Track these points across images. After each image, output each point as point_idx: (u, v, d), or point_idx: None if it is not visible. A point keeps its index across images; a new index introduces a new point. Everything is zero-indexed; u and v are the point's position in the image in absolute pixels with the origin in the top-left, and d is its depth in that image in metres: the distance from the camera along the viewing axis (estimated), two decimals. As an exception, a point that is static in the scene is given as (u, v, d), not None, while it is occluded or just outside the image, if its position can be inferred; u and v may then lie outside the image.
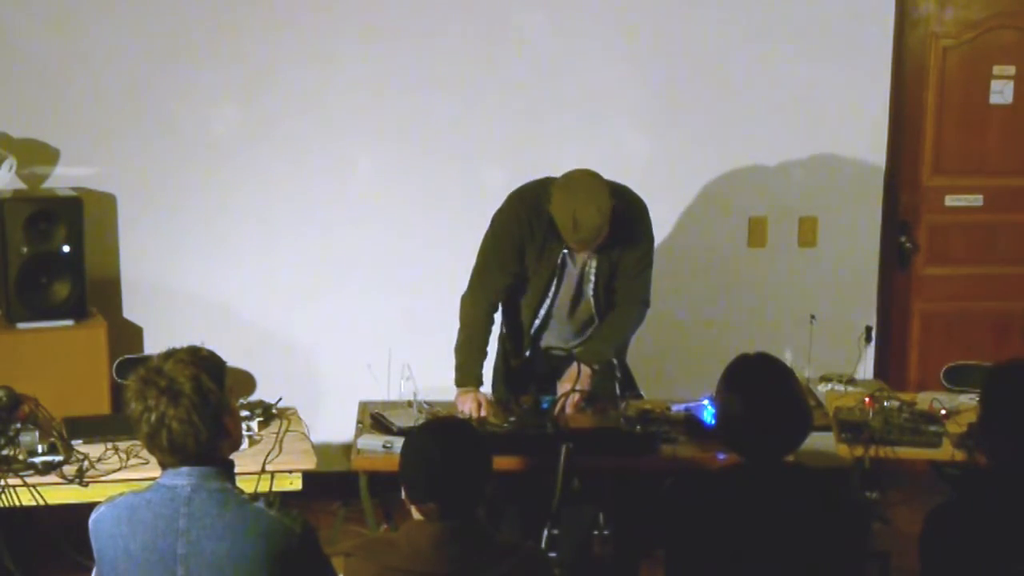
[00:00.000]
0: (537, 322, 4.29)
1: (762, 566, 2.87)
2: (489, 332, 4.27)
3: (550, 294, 4.22)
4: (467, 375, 4.17)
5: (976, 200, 5.52)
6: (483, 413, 4.04)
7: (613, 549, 3.75)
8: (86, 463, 3.63)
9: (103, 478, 3.59)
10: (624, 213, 4.08)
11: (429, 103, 5.17)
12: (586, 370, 4.11)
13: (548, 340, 4.37)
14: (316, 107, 5.13)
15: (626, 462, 3.89)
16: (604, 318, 4.27)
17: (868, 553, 3.18)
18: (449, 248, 5.07)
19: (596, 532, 3.77)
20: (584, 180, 4.01)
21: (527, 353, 4.38)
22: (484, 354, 4.24)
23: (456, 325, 4.28)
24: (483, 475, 2.82)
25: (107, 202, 5.06)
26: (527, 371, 4.37)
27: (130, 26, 4.99)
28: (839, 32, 5.29)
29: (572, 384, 4.09)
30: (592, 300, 4.23)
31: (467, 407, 4.05)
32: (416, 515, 2.81)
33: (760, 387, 2.98)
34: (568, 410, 4.07)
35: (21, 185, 4.93)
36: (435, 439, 2.83)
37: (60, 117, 4.99)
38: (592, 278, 4.19)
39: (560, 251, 4.12)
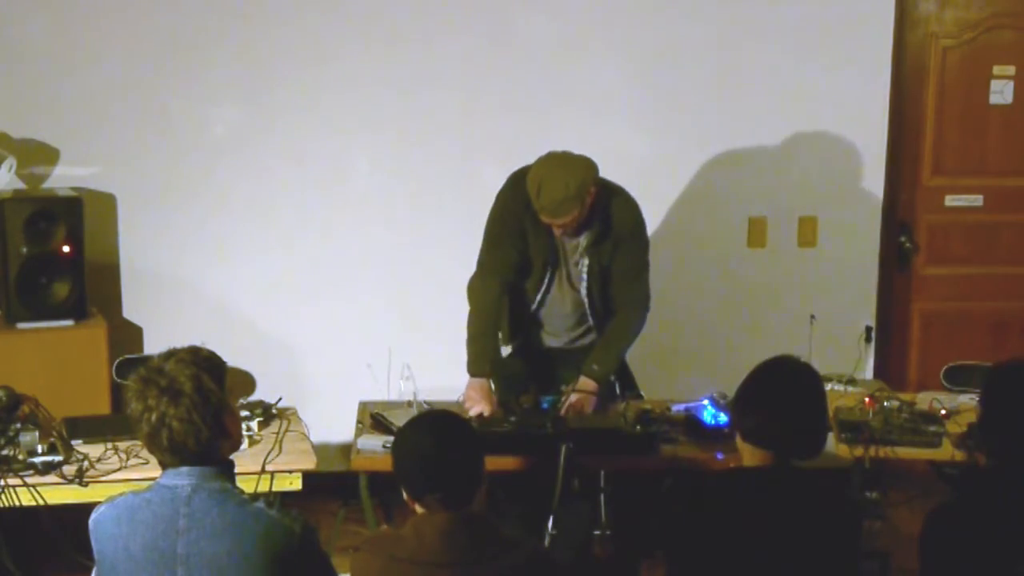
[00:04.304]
0: (534, 306, 4.28)
1: (760, 566, 2.87)
2: (501, 316, 4.24)
3: (546, 278, 4.22)
4: (480, 365, 4.14)
5: (976, 200, 5.51)
6: (486, 413, 4.03)
7: (613, 549, 3.75)
8: (86, 463, 3.63)
9: (103, 478, 3.59)
10: (608, 206, 4.08)
11: (429, 103, 5.17)
12: (589, 386, 4.10)
13: (547, 328, 4.36)
14: (316, 107, 5.13)
15: (626, 462, 3.89)
16: (599, 320, 4.26)
17: (862, 551, 3.18)
18: (449, 248, 5.07)
19: (596, 532, 3.77)
20: (562, 155, 4.05)
21: (514, 346, 4.37)
22: (497, 341, 4.22)
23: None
24: (477, 459, 2.83)
25: (107, 202, 5.06)
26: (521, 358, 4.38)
27: (129, 26, 4.99)
28: (839, 32, 5.29)
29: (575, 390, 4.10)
30: (585, 300, 4.23)
31: (474, 411, 4.03)
32: (420, 511, 2.82)
33: (790, 394, 2.99)
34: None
35: (21, 185, 4.93)
36: (424, 431, 2.85)
37: (60, 117, 4.99)
38: (584, 277, 4.19)
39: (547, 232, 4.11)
